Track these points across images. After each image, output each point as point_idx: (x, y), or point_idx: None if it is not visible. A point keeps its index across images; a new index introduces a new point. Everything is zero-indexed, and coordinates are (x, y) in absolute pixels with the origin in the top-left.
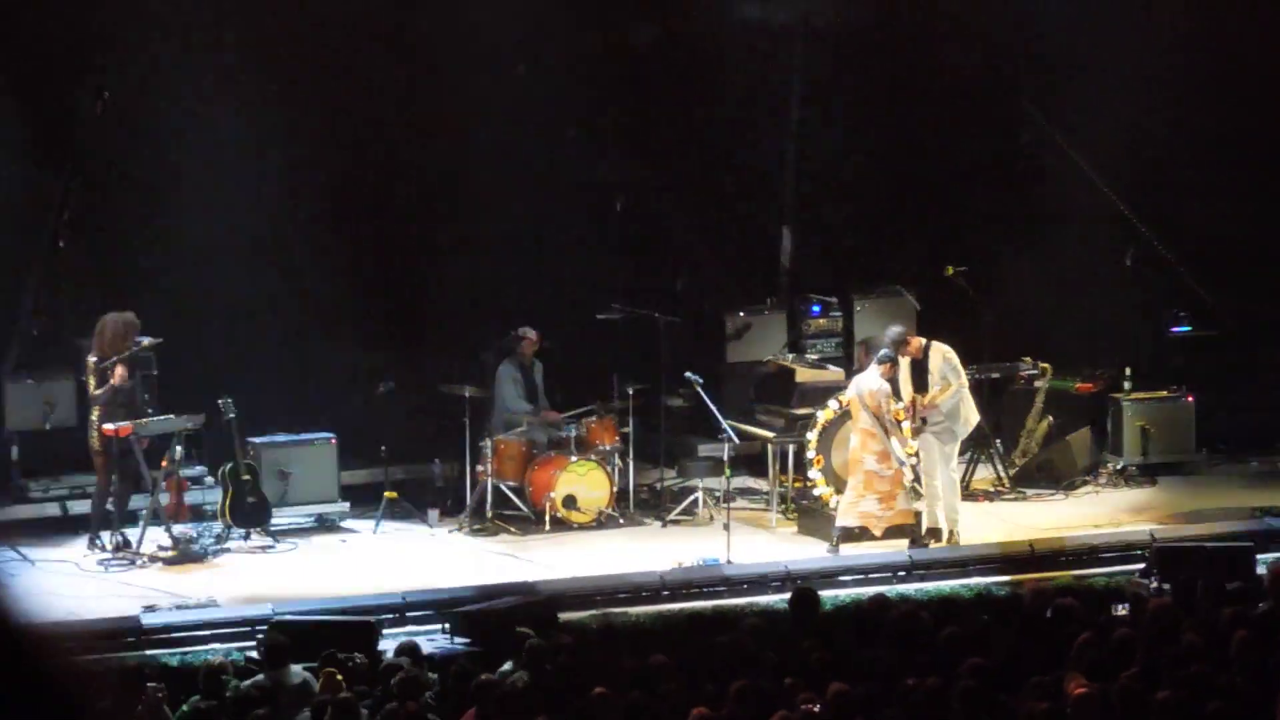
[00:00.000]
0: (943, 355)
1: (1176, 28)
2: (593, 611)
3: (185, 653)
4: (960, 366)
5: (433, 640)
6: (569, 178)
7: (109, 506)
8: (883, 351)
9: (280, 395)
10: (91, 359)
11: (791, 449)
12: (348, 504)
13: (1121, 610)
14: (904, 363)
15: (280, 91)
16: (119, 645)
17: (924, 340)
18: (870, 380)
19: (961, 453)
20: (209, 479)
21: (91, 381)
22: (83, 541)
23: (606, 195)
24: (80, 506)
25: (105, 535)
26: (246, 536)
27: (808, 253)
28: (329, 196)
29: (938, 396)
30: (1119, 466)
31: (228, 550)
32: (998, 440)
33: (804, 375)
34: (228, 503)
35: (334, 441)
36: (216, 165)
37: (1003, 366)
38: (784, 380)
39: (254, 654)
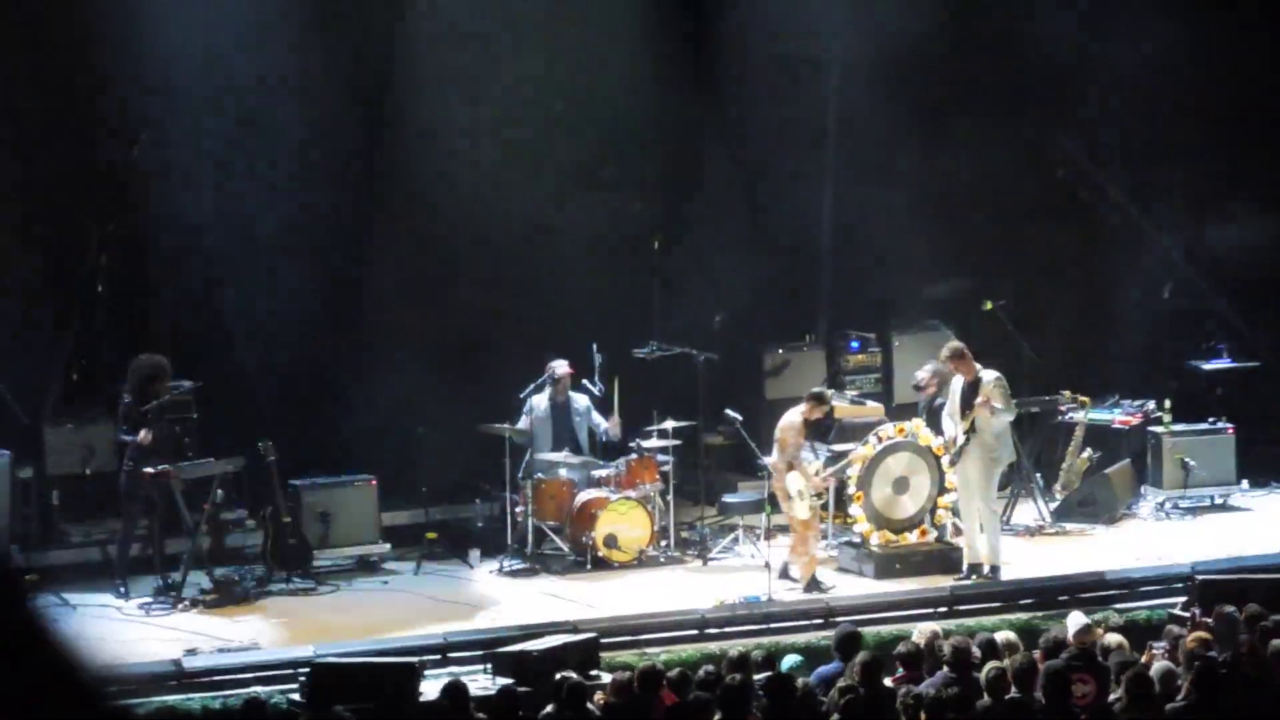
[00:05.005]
0: (995, 377)
1: (1218, 57)
2: (635, 651)
3: (228, 695)
4: (1008, 396)
5: (475, 680)
6: (606, 216)
7: (134, 552)
8: (812, 390)
9: (320, 437)
10: (126, 400)
11: (832, 485)
12: (389, 545)
13: (1162, 645)
14: (956, 385)
15: (315, 134)
16: (161, 689)
17: (978, 365)
18: (789, 415)
19: (1001, 487)
20: (249, 522)
21: (126, 425)
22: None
23: (644, 233)
24: None
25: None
26: (288, 579)
27: (847, 288)
28: (366, 239)
29: (981, 408)
30: (1159, 500)
31: (269, 593)
32: (1038, 475)
33: (843, 411)
34: (269, 545)
35: (374, 483)
36: (253, 209)
37: (1042, 400)
38: (823, 417)
39: (296, 696)
